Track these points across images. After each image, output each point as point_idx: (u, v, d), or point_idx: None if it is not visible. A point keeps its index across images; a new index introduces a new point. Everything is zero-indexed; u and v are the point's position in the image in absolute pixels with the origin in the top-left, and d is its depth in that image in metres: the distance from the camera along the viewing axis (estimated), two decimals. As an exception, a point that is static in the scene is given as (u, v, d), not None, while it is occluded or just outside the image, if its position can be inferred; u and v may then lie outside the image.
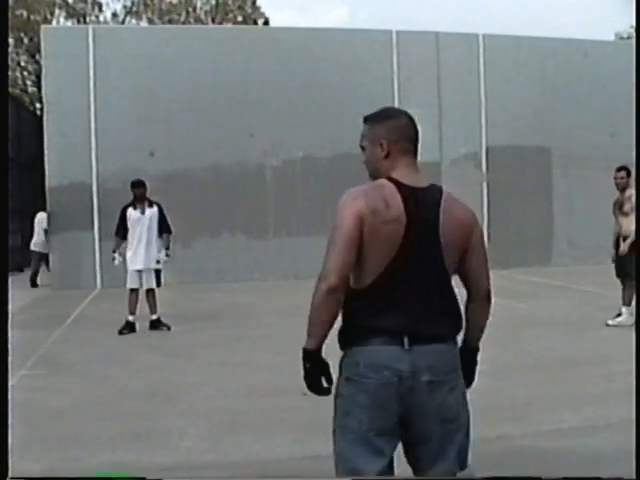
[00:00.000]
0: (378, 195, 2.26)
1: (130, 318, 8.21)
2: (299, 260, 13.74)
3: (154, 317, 8.38)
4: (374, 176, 2.40)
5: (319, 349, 2.34)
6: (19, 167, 16.45)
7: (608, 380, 5.51)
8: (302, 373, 2.37)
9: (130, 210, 8.28)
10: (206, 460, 4.07)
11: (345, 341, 2.39)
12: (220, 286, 12.62)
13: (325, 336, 2.33)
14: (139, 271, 8.24)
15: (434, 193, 2.35)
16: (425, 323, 2.28)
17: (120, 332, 8.07)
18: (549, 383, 5.53)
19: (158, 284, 8.45)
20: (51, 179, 13.28)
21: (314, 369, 2.35)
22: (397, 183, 2.30)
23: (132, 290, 8.29)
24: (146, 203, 8.30)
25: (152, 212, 8.29)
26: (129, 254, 8.27)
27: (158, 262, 8.32)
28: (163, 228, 8.39)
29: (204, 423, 4.75)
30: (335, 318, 2.30)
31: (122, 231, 8.31)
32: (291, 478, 3.79)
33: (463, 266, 2.39)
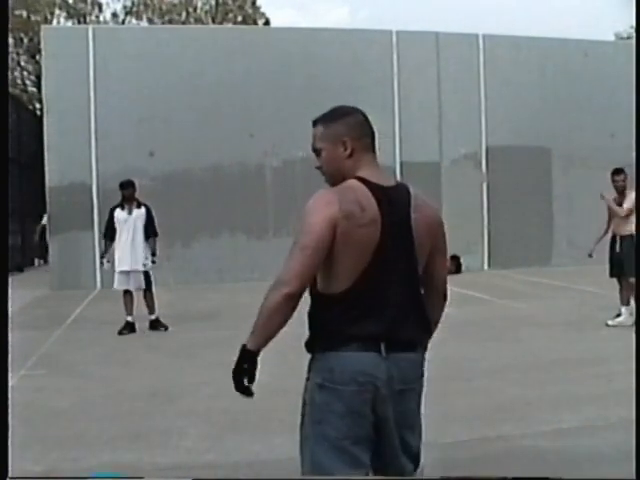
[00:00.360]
0: (352, 198, 2.15)
1: (129, 318, 8.16)
2: (299, 260, 13.75)
3: (152, 317, 8.34)
4: (335, 177, 2.27)
5: (259, 351, 2.30)
6: (19, 167, 16.46)
7: (608, 380, 5.52)
8: (233, 370, 2.39)
9: (117, 211, 8.20)
10: (206, 460, 4.07)
11: (316, 346, 2.30)
12: (220, 286, 12.62)
13: (270, 339, 2.26)
14: (126, 272, 8.14)
15: (403, 192, 2.27)
16: (401, 330, 2.21)
17: (120, 332, 8.04)
18: (549, 383, 5.53)
19: (148, 286, 8.34)
20: (51, 179, 13.27)
21: (249, 370, 2.35)
22: (368, 183, 2.20)
23: (124, 292, 8.22)
24: (134, 204, 8.22)
25: (139, 213, 8.22)
26: (116, 255, 8.19)
27: (145, 264, 8.24)
28: (149, 231, 8.31)
29: (204, 423, 4.75)
30: (286, 323, 2.21)
31: (110, 233, 8.22)
32: (291, 478, 3.79)
33: (428, 265, 2.31)
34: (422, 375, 2.32)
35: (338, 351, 2.20)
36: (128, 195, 8.17)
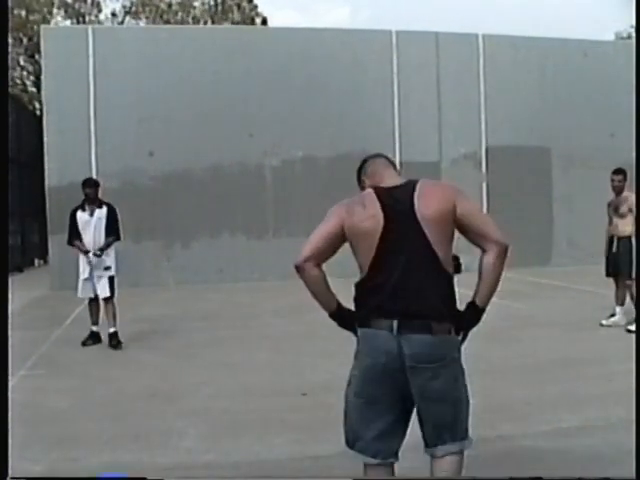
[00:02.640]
0: (358, 201, 2.73)
1: (94, 328, 7.56)
2: (299, 260, 13.74)
3: (112, 330, 7.45)
4: None
5: (336, 310, 2.81)
6: (19, 167, 16.44)
7: (608, 380, 5.52)
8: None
9: (79, 213, 7.48)
10: (206, 460, 4.07)
11: (356, 322, 2.78)
12: (220, 286, 12.62)
13: (327, 300, 2.80)
14: (90, 279, 7.46)
15: (408, 185, 2.72)
16: (413, 305, 2.60)
17: (84, 343, 7.44)
18: (548, 383, 5.53)
19: (112, 292, 7.50)
20: (51, 179, 13.27)
21: (343, 324, 2.85)
22: (375, 189, 2.75)
23: (90, 300, 7.58)
24: (96, 204, 7.48)
25: (101, 213, 7.46)
26: (80, 262, 7.50)
27: (108, 269, 7.46)
28: (111, 232, 7.48)
29: (204, 423, 4.75)
30: (315, 286, 2.76)
31: (75, 236, 7.48)
32: (291, 478, 3.79)
33: (467, 233, 2.68)
34: (442, 358, 2.63)
35: (362, 328, 2.72)
36: (92, 195, 7.44)
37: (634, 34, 21.66)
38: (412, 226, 2.59)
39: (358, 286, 2.74)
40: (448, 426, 2.71)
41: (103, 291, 7.46)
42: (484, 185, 14.75)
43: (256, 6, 31.48)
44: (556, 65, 15.20)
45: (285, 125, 13.84)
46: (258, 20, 30.94)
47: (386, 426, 2.72)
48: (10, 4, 22.18)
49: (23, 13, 26.88)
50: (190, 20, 30.07)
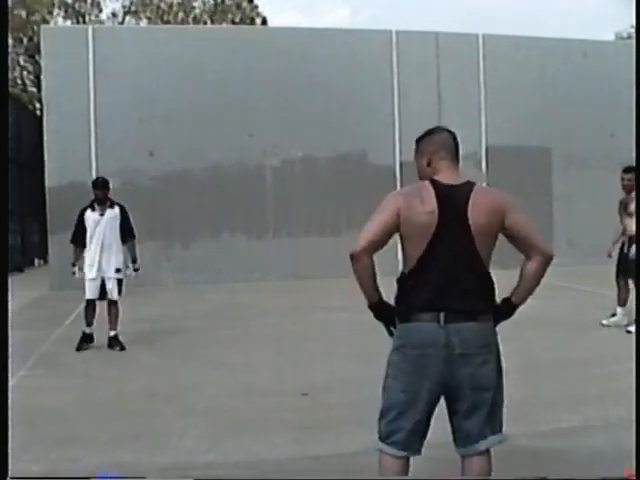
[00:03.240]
0: (416, 193, 2.75)
1: (88, 330, 7.36)
2: (299, 260, 13.75)
3: (111, 333, 7.35)
4: (422, 179, 2.88)
5: (377, 301, 2.80)
6: (19, 167, 16.44)
7: (608, 380, 5.51)
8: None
9: (88, 212, 7.33)
10: (206, 460, 4.06)
11: (397, 317, 2.81)
12: (220, 286, 12.62)
13: (373, 291, 2.78)
14: (96, 280, 7.30)
15: (466, 187, 2.77)
16: (459, 302, 2.69)
17: (78, 348, 7.23)
18: (548, 383, 5.53)
19: (119, 295, 7.44)
20: (51, 179, 13.27)
21: (382, 317, 2.86)
22: (434, 182, 2.77)
23: (89, 301, 7.35)
24: (107, 204, 7.36)
25: (113, 213, 7.35)
26: (87, 261, 7.31)
27: (118, 271, 7.35)
28: (126, 233, 7.42)
29: (204, 423, 4.75)
30: (366, 276, 2.74)
31: (80, 237, 7.33)
32: (291, 478, 3.79)
33: (514, 241, 2.82)
34: (488, 344, 2.77)
35: (407, 322, 2.76)
36: (101, 196, 7.32)
37: (634, 34, 21.65)
38: (462, 229, 2.69)
39: (403, 280, 2.77)
40: (494, 416, 2.80)
41: (111, 293, 7.35)
42: (484, 185, 14.74)
43: (256, 6, 31.49)
44: (556, 65, 15.20)
45: (285, 125, 13.84)
46: (258, 20, 30.94)
47: (422, 420, 2.78)
48: (10, 4, 22.19)
49: (23, 13, 26.88)
50: (190, 20, 30.07)
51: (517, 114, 14.77)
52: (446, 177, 2.79)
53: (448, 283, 2.69)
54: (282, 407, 5.05)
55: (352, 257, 2.70)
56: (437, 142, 2.89)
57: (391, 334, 2.85)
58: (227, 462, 4.04)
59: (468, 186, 2.77)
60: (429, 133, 2.95)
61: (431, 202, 2.70)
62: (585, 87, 15.19)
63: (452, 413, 2.81)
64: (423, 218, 2.68)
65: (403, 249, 2.78)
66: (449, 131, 2.95)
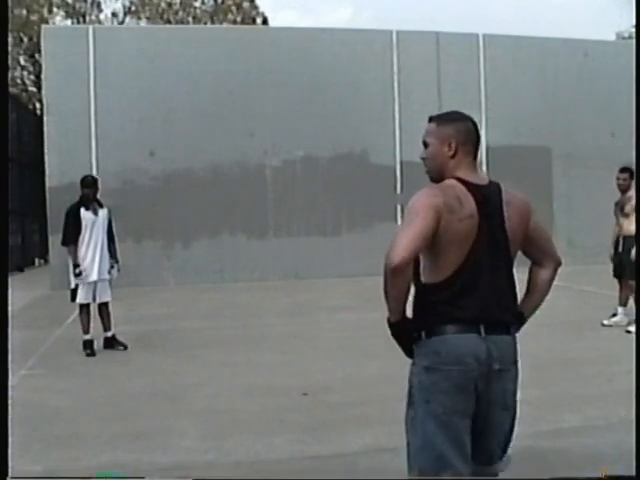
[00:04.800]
0: (452, 194, 2.40)
1: (88, 337, 7.13)
2: (299, 260, 13.76)
3: (109, 334, 7.29)
4: (435, 171, 2.53)
5: (401, 319, 2.45)
6: (19, 167, 16.45)
7: (608, 380, 5.51)
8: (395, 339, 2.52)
9: (83, 211, 7.05)
10: (206, 460, 4.06)
11: (421, 332, 2.46)
12: (220, 286, 12.62)
13: (402, 307, 2.42)
14: (94, 283, 7.08)
15: (495, 189, 2.52)
16: (497, 313, 2.44)
17: (88, 354, 7.03)
18: (549, 383, 5.52)
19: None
20: (51, 179, 13.27)
21: (401, 337, 2.49)
22: (465, 182, 2.45)
23: (83, 306, 7.12)
24: (96, 204, 7.15)
25: (104, 214, 7.18)
26: (86, 262, 7.02)
27: (109, 272, 7.19)
28: (110, 234, 7.25)
29: (204, 423, 4.75)
30: (404, 291, 2.37)
31: (74, 236, 7.01)
32: (291, 478, 3.79)
33: (531, 248, 2.60)
34: (517, 359, 2.51)
35: (443, 335, 2.41)
36: (92, 194, 7.10)
37: (635, 34, 21.65)
38: (501, 235, 2.46)
39: (436, 289, 2.42)
40: (509, 438, 2.59)
41: (105, 295, 7.21)
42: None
43: (257, 6, 31.51)
44: (556, 65, 15.20)
45: (285, 125, 13.84)
46: (259, 20, 30.95)
47: (468, 442, 2.44)
48: (10, 4, 22.19)
49: (23, 13, 26.89)
50: (190, 20, 30.08)
51: (517, 114, 14.77)
52: (472, 175, 2.50)
53: (487, 292, 2.43)
54: (282, 407, 5.05)
55: (390, 271, 2.29)
56: (464, 132, 2.56)
57: (411, 354, 2.52)
58: (227, 462, 4.04)
59: (496, 186, 2.54)
60: (453, 118, 2.57)
61: (469, 204, 2.40)
62: (585, 87, 15.20)
63: (473, 431, 2.47)
64: (465, 224, 2.37)
65: (431, 255, 2.41)
66: (473, 121, 2.63)
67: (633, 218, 7.58)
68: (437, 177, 2.52)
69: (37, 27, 21.91)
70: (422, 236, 2.31)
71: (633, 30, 24.54)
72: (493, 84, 14.80)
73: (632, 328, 7.26)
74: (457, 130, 2.52)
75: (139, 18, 30.05)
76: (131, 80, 13.41)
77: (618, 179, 7.75)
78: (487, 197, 2.46)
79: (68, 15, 29.16)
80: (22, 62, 27.99)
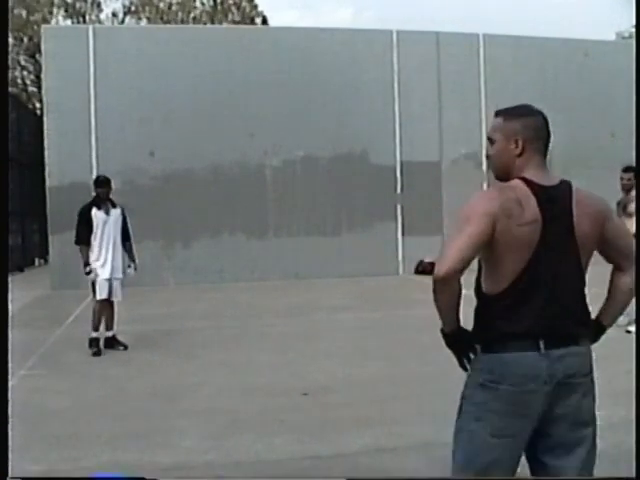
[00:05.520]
0: (512, 197, 2.22)
1: (95, 334, 7.19)
2: (299, 260, 13.76)
3: (110, 334, 7.32)
4: (500, 170, 2.38)
5: (456, 329, 2.32)
6: (19, 167, 16.45)
7: (608, 380, 5.49)
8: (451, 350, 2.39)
9: (94, 211, 7.16)
10: (206, 460, 4.07)
11: (479, 345, 2.33)
12: (220, 286, 12.62)
13: (453, 316, 2.30)
14: (108, 280, 7.18)
15: (565, 190, 2.34)
16: (560, 325, 2.26)
17: (95, 353, 7.08)
18: (549, 383, 5.51)
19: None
20: (51, 179, 13.28)
21: (457, 348, 2.35)
22: (530, 183, 2.27)
23: (102, 301, 7.20)
24: (109, 204, 7.28)
25: (117, 213, 7.30)
26: (99, 262, 7.14)
27: (123, 272, 7.37)
28: (125, 235, 7.39)
29: (204, 423, 4.75)
30: (454, 302, 2.25)
31: (86, 235, 7.13)
32: (291, 478, 3.79)
33: (608, 251, 2.40)
34: (591, 371, 2.33)
35: (498, 352, 2.25)
36: (105, 194, 7.23)
37: (635, 34, 21.65)
38: (568, 241, 2.26)
39: (494, 301, 2.27)
40: (593, 456, 2.34)
41: (117, 294, 7.30)
42: (484, 185, 14.75)
43: (256, 6, 31.51)
44: (556, 65, 15.20)
45: (285, 125, 13.84)
46: (258, 20, 30.96)
47: (514, 468, 2.31)
48: (10, 4, 22.19)
49: (23, 13, 26.89)
50: (190, 20, 30.08)
51: (517, 114, 14.75)
52: (540, 176, 2.31)
53: (549, 304, 2.25)
54: (282, 407, 5.05)
55: (438, 281, 2.18)
56: (534, 128, 2.40)
57: (465, 366, 2.36)
58: (227, 462, 4.04)
59: (567, 187, 2.35)
60: (520, 113, 2.41)
61: (533, 209, 2.21)
62: (585, 87, 15.19)
63: (539, 449, 2.32)
64: (526, 229, 2.19)
65: (489, 263, 2.27)
66: (545, 117, 2.48)
67: (632, 219, 7.56)
68: (503, 176, 2.36)
69: (37, 27, 21.93)
70: (472, 245, 2.16)
71: (633, 30, 24.54)
72: (493, 84, 14.79)
73: (632, 328, 7.24)
74: (525, 126, 2.37)
75: (139, 18, 30.05)
76: (131, 80, 13.41)
77: (622, 179, 7.69)
78: (554, 199, 2.27)
79: (68, 15, 29.16)
80: (22, 62, 27.99)
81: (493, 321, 2.27)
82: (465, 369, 2.35)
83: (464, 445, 2.32)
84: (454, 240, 2.18)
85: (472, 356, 2.33)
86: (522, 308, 2.23)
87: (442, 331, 2.33)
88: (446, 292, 2.21)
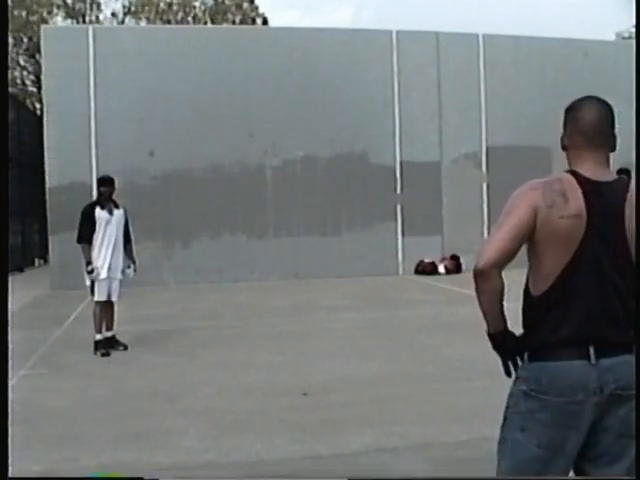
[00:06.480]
0: (557, 188, 2.14)
1: (99, 337, 7.15)
2: (299, 260, 13.76)
3: (109, 334, 7.27)
4: (568, 163, 2.29)
5: (502, 331, 2.23)
6: (19, 167, 16.45)
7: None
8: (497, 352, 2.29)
9: (98, 210, 7.15)
10: (206, 460, 4.07)
11: (525, 352, 2.24)
12: (220, 286, 12.62)
13: (497, 315, 2.21)
14: (107, 280, 7.13)
15: (619, 188, 2.20)
16: (610, 330, 2.14)
17: (103, 354, 7.05)
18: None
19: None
20: (51, 179, 13.28)
21: (504, 349, 2.25)
22: (577, 176, 2.17)
23: (101, 303, 7.17)
24: (112, 204, 7.25)
25: (120, 214, 7.27)
26: (98, 262, 7.09)
27: (123, 272, 7.28)
28: (127, 236, 7.35)
29: (204, 423, 4.75)
30: (495, 298, 2.18)
31: (89, 234, 7.09)
32: (291, 478, 3.79)
33: None
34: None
35: (545, 361, 2.16)
36: (108, 194, 7.21)
37: (635, 34, 21.66)
38: (617, 239, 2.14)
39: (538, 303, 2.17)
40: (632, 469, 2.20)
41: (115, 294, 7.24)
42: (484, 185, 14.76)
43: (257, 6, 31.51)
44: (556, 65, 15.20)
45: (285, 125, 13.85)
46: (259, 20, 30.96)
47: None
48: (10, 4, 22.20)
49: (23, 13, 26.89)
50: (190, 20, 30.08)
51: (517, 114, 14.76)
52: (592, 170, 2.18)
53: (598, 308, 2.12)
54: (282, 407, 5.05)
55: (478, 274, 2.11)
56: (587, 120, 2.23)
57: (509, 371, 2.26)
58: (227, 462, 4.04)
59: (622, 184, 2.21)
60: (575, 106, 2.29)
61: (577, 202, 2.11)
62: (585, 87, 15.09)
63: (584, 457, 2.22)
64: (568, 223, 2.09)
65: (533, 260, 2.18)
66: (607, 104, 2.33)
67: None
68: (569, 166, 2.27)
69: (37, 27, 21.90)
70: (513, 235, 2.09)
71: (633, 30, 24.54)
72: (493, 84, 14.79)
73: None
74: (576, 118, 2.25)
75: (139, 19, 30.05)
76: (131, 80, 13.41)
77: None
78: (603, 195, 2.13)
79: (68, 15, 29.15)
80: (22, 62, 27.99)
81: (539, 326, 2.17)
82: (509, 375, 2.25)
83: (509, 455, 2.22)
84: (494, 233, 2.13)
85: (519, 362, 2.23)
86: (567, 310, 2.13)
87: (487, 332, 2.24)
88: (486, 287, 2.14)
